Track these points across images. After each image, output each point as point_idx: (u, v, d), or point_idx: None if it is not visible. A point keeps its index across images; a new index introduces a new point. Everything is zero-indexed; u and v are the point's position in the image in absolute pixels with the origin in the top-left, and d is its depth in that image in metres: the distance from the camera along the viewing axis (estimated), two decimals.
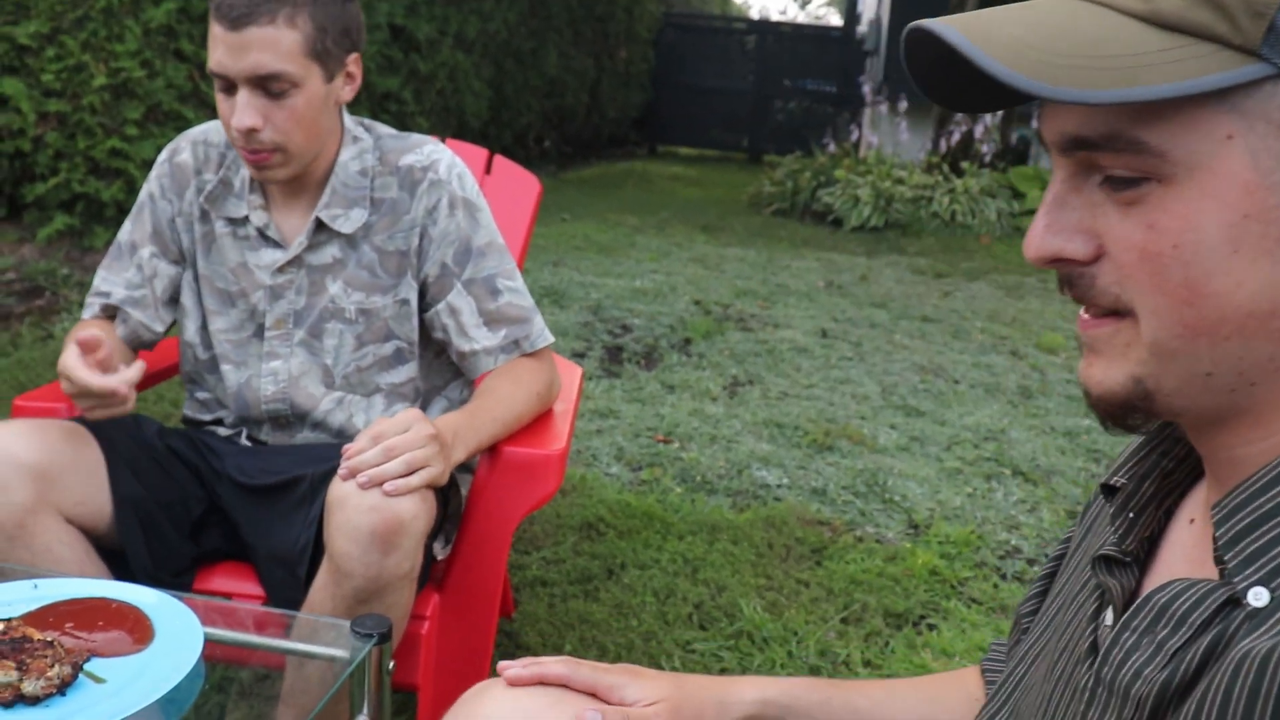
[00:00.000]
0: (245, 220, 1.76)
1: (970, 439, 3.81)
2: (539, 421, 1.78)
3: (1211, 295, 0.61)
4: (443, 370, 1.88)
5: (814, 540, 2.92)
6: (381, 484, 1.41)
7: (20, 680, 1.00)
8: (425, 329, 1.80)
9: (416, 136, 1.83)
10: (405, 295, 1.76)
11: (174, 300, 1.85)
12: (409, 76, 7.42)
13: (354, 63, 1.72)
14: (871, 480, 3.38)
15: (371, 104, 6.78)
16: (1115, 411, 0.67)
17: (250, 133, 1.59)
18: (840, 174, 9.13)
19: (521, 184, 2.33)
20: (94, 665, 1.07)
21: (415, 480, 1.43)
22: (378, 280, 1.75)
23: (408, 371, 1.80)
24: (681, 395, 4.13)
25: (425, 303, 1.78)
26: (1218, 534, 0.65)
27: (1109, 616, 0.75)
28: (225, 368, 1.80)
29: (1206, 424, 0.67)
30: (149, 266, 1.81)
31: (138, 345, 1.84)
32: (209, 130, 1.82)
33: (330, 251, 1.75)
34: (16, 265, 4.88)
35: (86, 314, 1.83)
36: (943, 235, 8.42)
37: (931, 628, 2.52)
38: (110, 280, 1.82)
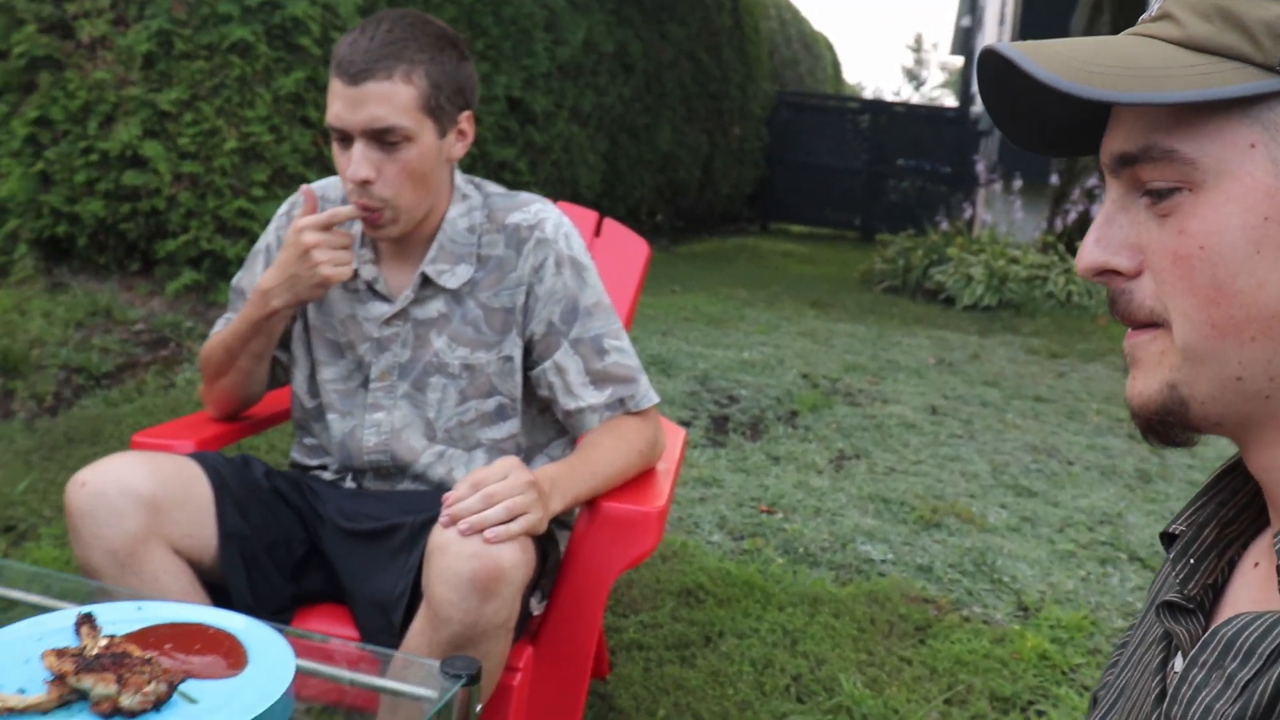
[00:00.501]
0: (355, 274, 1.79)
1: (1084, 521, 3.68)
2: (640, 479, 1.77)
3: (1236, 294, 0.64)
4: (545, 428, 1.88)
5: (918, 618, 2.84)
6: (482, 530, 1.42)
7: (119, 694, 1.02)
8: (530, 386, 1.82)
9: (525, 195, 1.85)
10: (509, 352, 1.78)
11: (284, 347, 1.89)
12: (525, 148, 7.58)
13: (466, 120, 1.75)
14: (980, 559, 3.28)
15: (487, 172, 6.94)
16: (1154, 422, 0.70)
17: (364, 184, 1.63)
18: (953, 252, 9.03)
19: (630, 247, 2.35)
20: (188, 686, 1.08)
21: (515, 527, 1.44)
22: (482, 336, 1.77)
23: (510, 428, 1.80)
24: (786, 467, 4.08)
25: (530, 360, 1.80)
26: None
27: (1178, 663, 0.73)
28: (331, 416, 1.83)
29: (1252, 439, 0.69)
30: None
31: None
32: (327, 186, 1.87)
33: (436, 306, 1.77)
34: (146, 317, 5.08)
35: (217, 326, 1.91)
36: (1058, 315, 8.25)
37: (1040, 714, 2.42)
38: (229, 320, 1.87)
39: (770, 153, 15.21)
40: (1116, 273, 0.70)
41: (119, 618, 1.21)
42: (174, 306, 5.30)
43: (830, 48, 23.20)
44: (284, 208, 1.90)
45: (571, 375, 1.76)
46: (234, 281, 1.92)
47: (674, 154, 11.29)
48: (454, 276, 1.76)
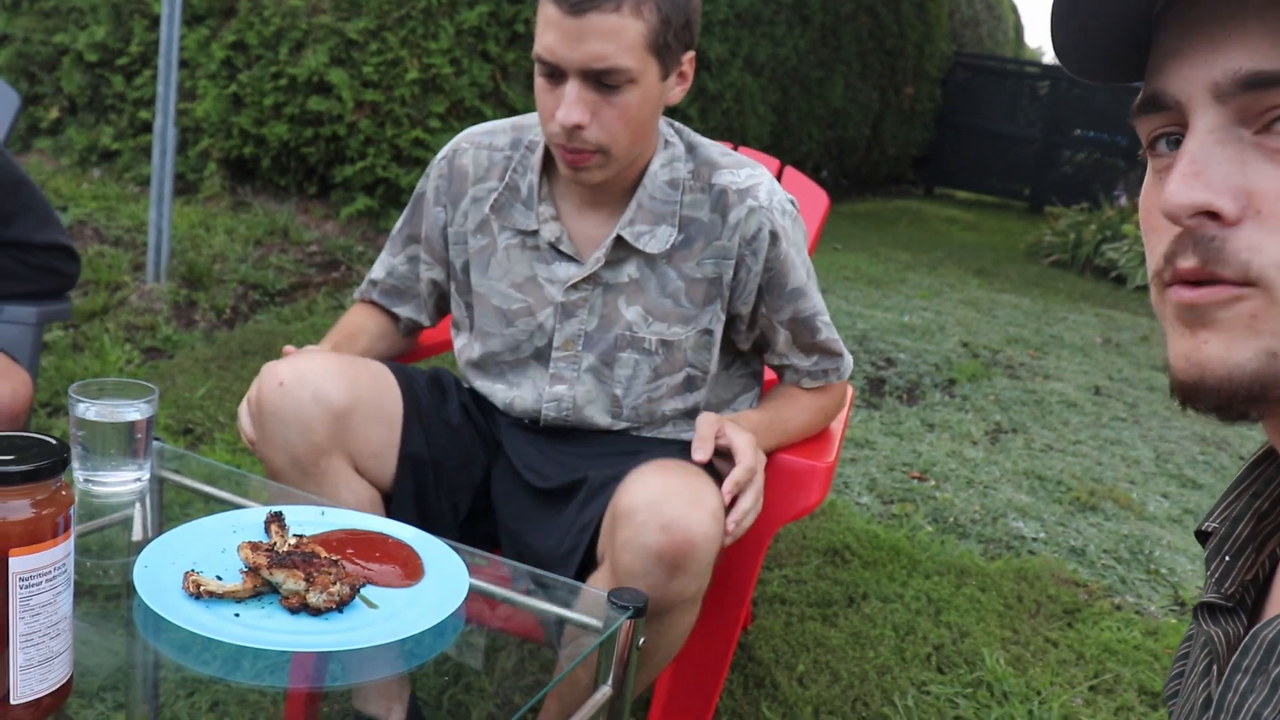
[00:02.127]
0: (535, 233, 1.64)
1: None
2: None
3: None
4: (730, 384, 1.78)
5: (1067, 600, 2.77)
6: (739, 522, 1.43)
7: (307, 591, 1.07)
8: (724, 349, 1.72)
9: (736, 155, 1.67)
10: (710, 325, 1.64)
11: (443, 303, 1.81)
12: (697, 94, 7.55)
13: (689, 61, 1.56)
14: (1136, 548, 3.18)
15: None
16: (1238, 398, 0.58)
17: (575, 130, 1.46)
18: (1129, 229, 8.67)
19: (811, 197, 2.32)
20: (368, 591, 1.13)
21: (756, 511, 1.47)
22: (682, 309, 1.62)
23: (696, 398, 1.69)
24: (941, 435, 4.01)
25: (735, 328, 1.69)
26: None
27: (1216, 668, 0.68)
28: (498, 386, 1.72)
29: None
30: (422, 268, 1.77)
31: (411, 331, 1.86)
32: (494, 132, 1.70)
33: (628, 271, 1.61)
34: (320, 239, 5.26)
35: (358, 294, 1.86)
36: None
37: None
38: (383, 265, 1.82)
39: (942, 115, 14.77)
40: (1216, 216, 0.57)
41: (304, 519, 1.27)
42: (346, 230, 5.47)
43: (1014, 9, 22.37)
44: (444, 152, 1.73)
45: (780, 345, 1.69)
46: (398, 224, 1.80)
47: (845, 110, 11.08)
48: (654, 239, 1.59)
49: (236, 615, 1.06)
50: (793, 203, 1.64)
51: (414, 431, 1.62)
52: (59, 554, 0.86)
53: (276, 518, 1.22)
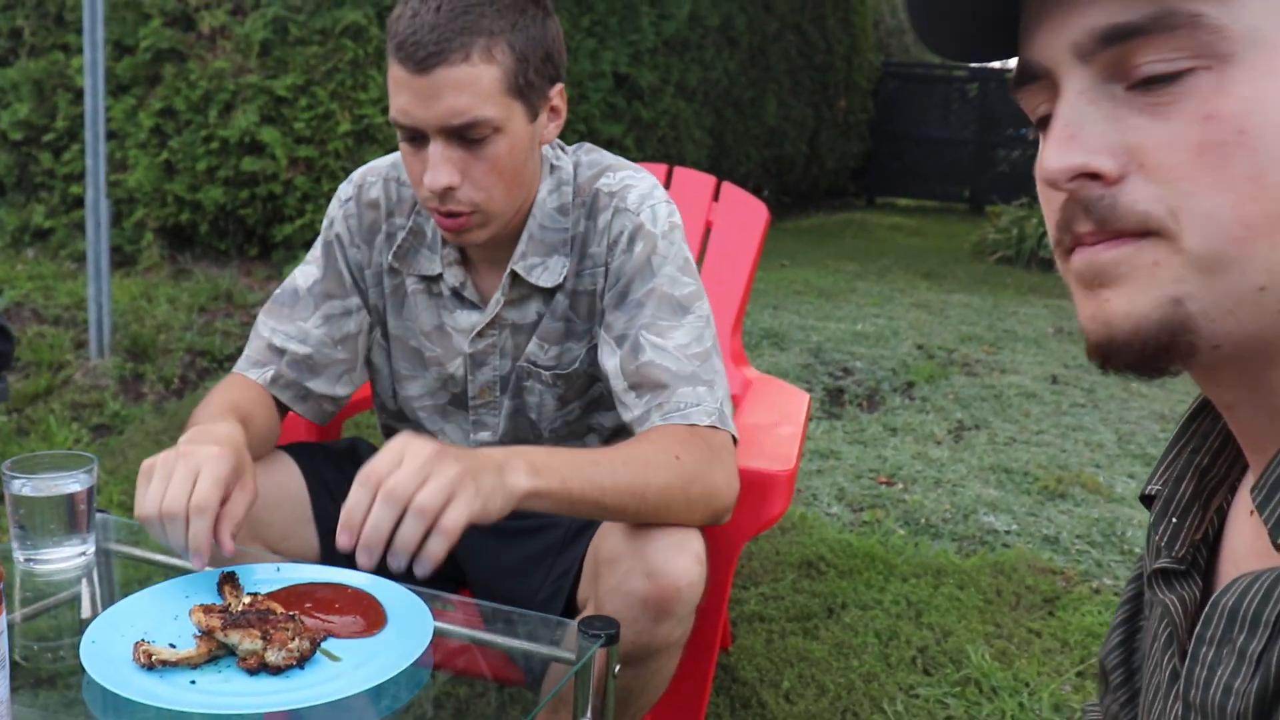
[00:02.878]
0: (439, 278, 1.53)
1: None
2: (769, 440, 1.73)
3: (1276, 186, 0.53)
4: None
5: (1046, 589, 2.76)
6: (425, 552, 1.08)
7: (265, 649, 1.03)
8: None
9: (619, 162, 1.55)
10: (599, 341, 1.51)
11: (365, 361, 1.62)
12: (632, 124, 7.58)
13: (558, 95, 1.43)
14: (1109, 530, 3.18)
15: None
16: (1148, 350, 0.57)
17: (448, 191, 1.35)
18: None
19: (749, 211, 2.32)
20: (330, 644, 1.10)
21: (443, 533, 1.08)
22: (571, 326, 1.52)
23: (616, 416, 1.56)
24: (904, 438, 4.01)
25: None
26: (1264, 515, 0.57)
27: (1176, 636, 0.67)
28: (425, 431, 1.61)
29: (1246, 362, 0.58)
30: (352, 322, 1.56)
31: (316, 417, 1.57)
32: (399, 165, 1.55)
33: (534, 307, 1.52)
34: (263, 300, 5.20)
35: (253, 372, 1.52)
36: None
37: None
38: (289, 333, 1.53)
39: (876, 125, 14.94)
40: (1096, 177, 0.57)
41: (260, 578, 1.23)
42: None
43: None
44: (350, 189, 1.58)
45: (613, 379, 1.44)
46: (298, 280, 1.56)
47: (780, 128, 11.17)
48: (547, 272, 1.49)
49: (192, 683, 1.02)
50: (672, 215, 1.50)
51: (326, 507, 1.51)
52: None
53: (229, 578, 1.18)
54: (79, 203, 5.53)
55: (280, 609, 1.10)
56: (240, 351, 1.61)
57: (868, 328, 5.82)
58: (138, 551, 1.44)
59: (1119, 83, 0.57)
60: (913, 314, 6.34)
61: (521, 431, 1.58)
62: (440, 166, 1.33)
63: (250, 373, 1.52)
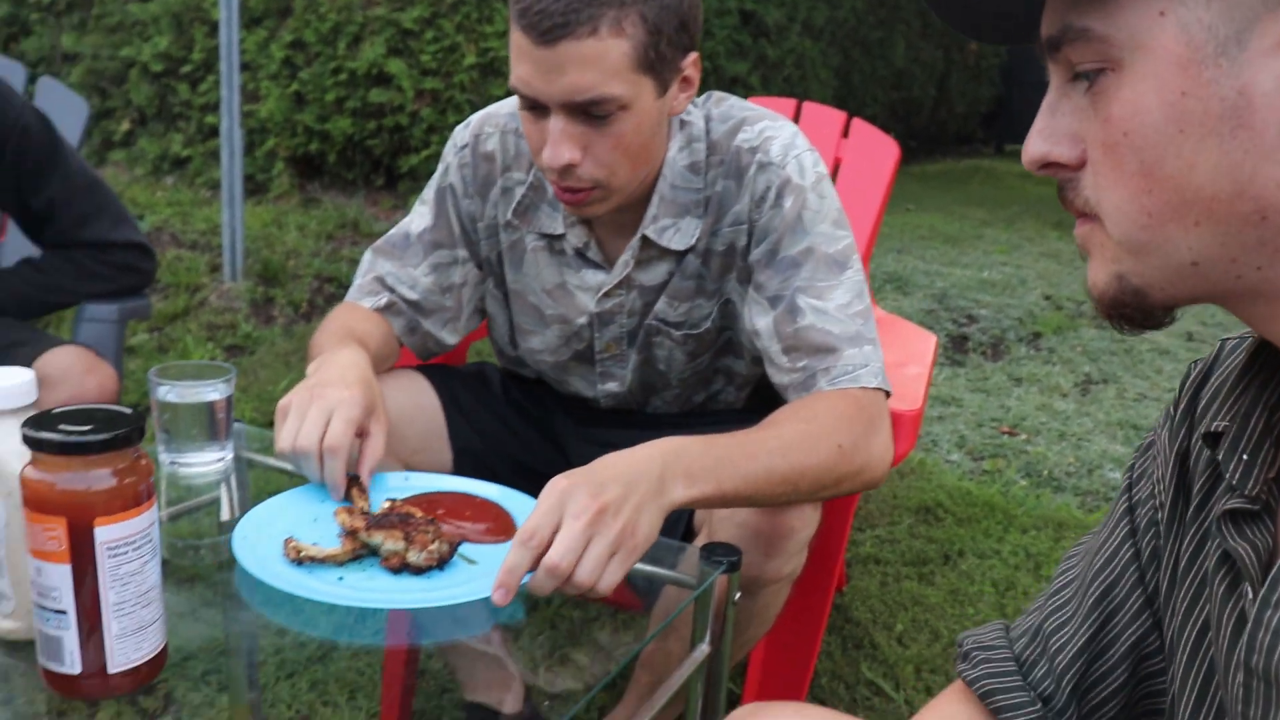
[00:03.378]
0: (561, 237, 1.48)
1: None
2: (895, 380, 1.68)
3: (1166, 179, 0.59)
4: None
5: None
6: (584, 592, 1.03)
7: (406, 550, 1.06)
8: None
9: (759, 111, 1.46)
10: (730, 295, 1.47)
11: (481, 310, 1.60)
12: (757, 62, 7.46)
13: (692, 64, 1.34)
14: None
15: (720, 88, 6.86)
16: (1113, 311, 0.65)
17: (566, 169, 1.29)
18: None
19: (879, 148, 2.26)
20: (465, 549, 1.12)
21: (604, 589, 1.02)
22: (702, 286, 1.47)
23: (747, 362, 1.55)
24: (1029, 389, 3.92)
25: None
26: None
27: (1249, 590, 0.64)
28: (547, 381, 1.63)
29: (1254, 312, 0.63)
30: (457, 273, 1.54)
31: (420, 352, 1.58)
32: (517, 115, 1.43)
33: (664, 268, 1.46)
34: (389, 230, 5.30)
35: (367, 300, 1.52)
36: None
37: None
38: (400, 277, 1.52)
39: (1008, 70, 14.47)
40: (1061, 164, 0.65)
41: (391, 485, 1.26)
42: None
43: None
44: (465, 136, 1.53)
45: (765, 340, 1.37)
46: (411, 225, 1.55)
47: (908, 70, 10.89)
48: (679, 234, 1.43)
49: (340, 579, 1.06)
50: (818, 164, 1.41)
51: (459, 425, 1.54)
52: (144, 522, 0.85)
53: (354, 481, 1.21)
54: (214, 132, 5.68)
55: (419, 513, 1.13)
56: None
57: (994, 276, 5.67)
58: (272, 461, 1.49)
59: (1080, 79, 0.63)
60: (1041, 263, 6.16)
61: (650, 380, 1.56)
62: (561, 143, 1.27)
63: (364, 301, 1.52)
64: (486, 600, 1.00)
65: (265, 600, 1.07)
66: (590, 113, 1.25)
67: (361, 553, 1.09)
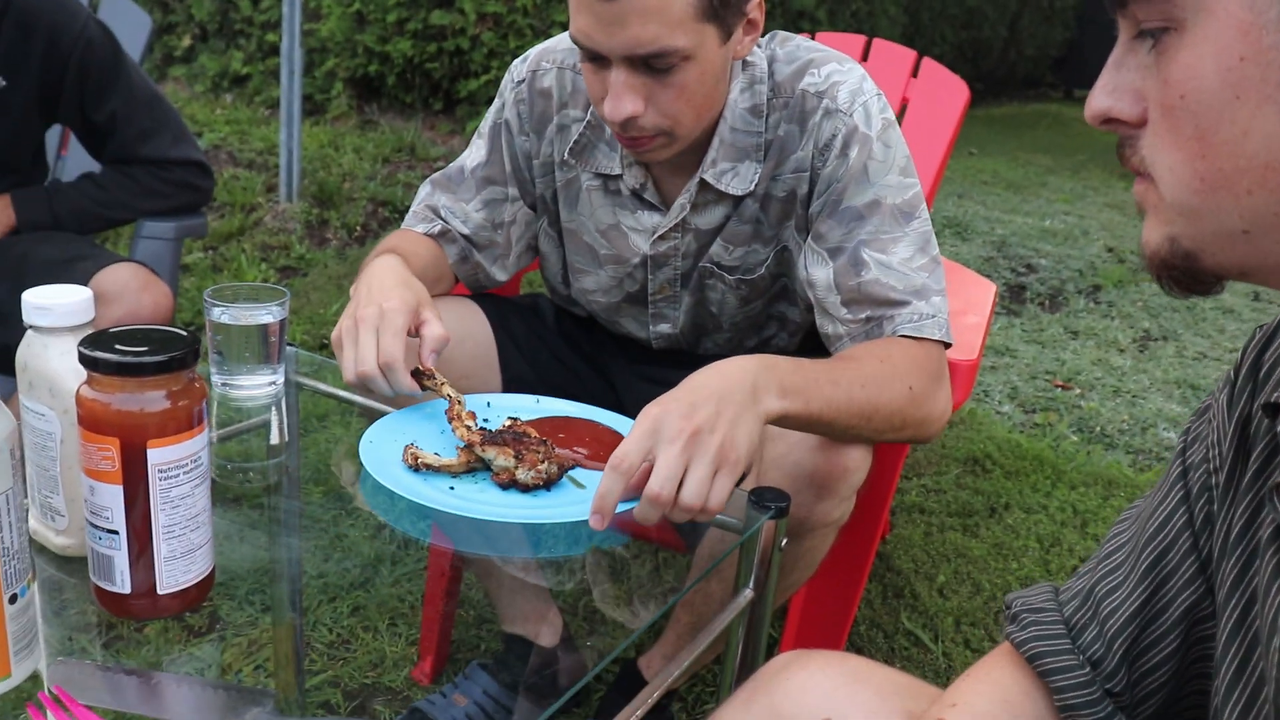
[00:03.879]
0: (618, 177, 1.47)
1: None
2: (953, 327, 1.66)
3: (1221, 145, 0.58)
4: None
5: None
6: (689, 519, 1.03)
7: (515, 467, 1.10)
8: None
9: (824, 53, 1.41)
10: (787, 243, 1.45)
11: (527, 253, 1.60)
12: None
13: (755, 7, 1.31)
14: None
15: (786, 22, 6.75)
16: (1163, 272, 0.64)
17: (629, 120, 1.28)
18: None
19: (949, 90, 2.21)
20: (576, 472, 1.16)
21: (714, 508, 1.02)
22: (759, 232, 1.45)
23: (801, 310, 1.53)
24: (1086, 342, 3.85)
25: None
26: None
27: None
28: (599, 321, 1.63)
29: None
30: (508, 211, 1.54)
31: (471, 284, 1.58)
32: (575, 50, 1.45)
33: (720, 211, 1.44)
34: (446, 155, 5.28)
35: (420, 226, 1.53)
36: None
37: None
38: (453, 210, 1.53)
39: (1083, 12, 14.08)
40: (1121, 121, 0.63)
41: (519, 405, 1.31)
42: None
43: None
44: (522, 71, 1.52)
45: (821, 290, 1.35)
46: (467, 159, 1.55)
47: (980, 9, 10.63)
48: (738, 179, 1.40)
49: (451, 488, 1.10)
50: (885, 110, 1.38)
51: (511, 354, 1.55)
52: (195, 446, 0.85)
53: (419, 375, 1.22)
54: (274, 51, 5.67)
55: (535, 434, 1.16)
56: None
57: (1056, 225, 5.57)
58: (322, 386, 1.49)
59: (1146, 35, 0.62)
60: (1105, 214, 6.04)
61: (702, 322, 1.55)
62: (623, 95, 1.25)
63: (418, 227, 1.53)
64: (584, 524, 1.03)
65: (383, 503, 1.14)
66: (653, 65, 1.23)
67: (476, 465, 1.14)
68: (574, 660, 1.67)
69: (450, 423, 1.18)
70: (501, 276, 1.58)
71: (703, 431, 1.01)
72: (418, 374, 1.22)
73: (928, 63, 2.23)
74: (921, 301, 1.31)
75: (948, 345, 1.34)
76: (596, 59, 1.26)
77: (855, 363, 1.23)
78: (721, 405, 1.04)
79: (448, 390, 1.21)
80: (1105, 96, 0.64)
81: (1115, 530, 0.88)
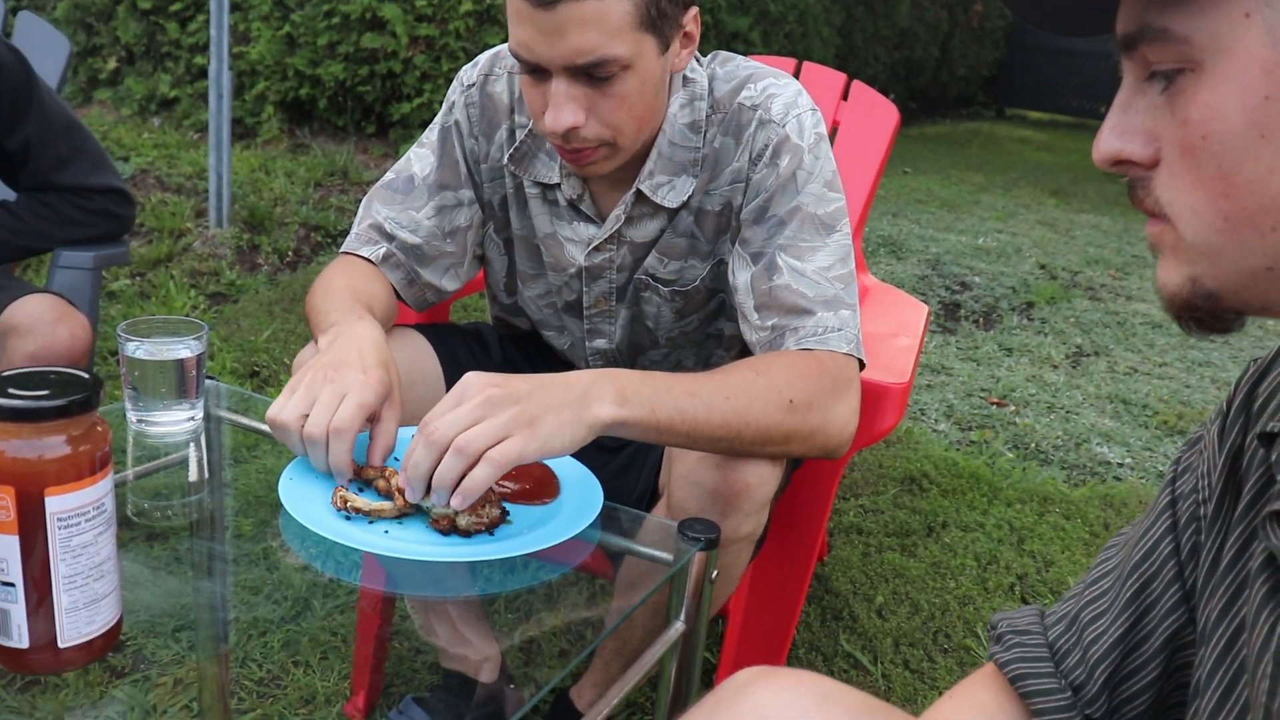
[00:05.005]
0: (556, 187, 1.47)
1: None
2: (884, 351, 1.67)
3: (1245, 184, 0.58)
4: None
5: None
6: (465, 484, 1.02)
7: (456, 513, 1.06)
8: None
9: (759, 69, 1.43)
10: (724, 256, 1.45)
11: (477, 262, 1.58)
12: (759, 17, 7.36)
13: (692, 19, 1.33)
14: None
15: (720, 43, 6.78)
16: (1184, 313, 0.64)
17: (570, 131, 1.27)
18: None
19: (879, 112, 2.22)
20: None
21: (495, 458, 1.01)
22: (695, 244, 1.45)
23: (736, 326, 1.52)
24: (1020, 359, 3.90)
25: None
26: None
27: None
28: (546, 333, 1.62)
29: None
30: (463, 215, 1.51)
31: (416, 304, 1.54)
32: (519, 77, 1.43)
33: (655, 225, 1.44)
34: (379, 178, 5.23)
35: (365, 250, 1.48)
36: None
37: None
38: (400, 221, 1.49)
39: (1012, 33, 14.34)
40: (1132, 162, 0.63)
41: None
42: None
43: None
44: (473, 75, 1.50)
45: (741, 295, 1.36)
46: (414, 167, 1.51)
47: (912, 30, 10.77)
48: (674, 192, 1.41)
49: (386, 532, 1.06)
50: (818, 125, 1.39)
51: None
52: (98, 492, 0.82)
53: (361, 469, 1.17)
54: (203, 73, 5.59)
55: None
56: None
57: (989, 242, 5.64)
58: (243, 420, 1.45)
59: (1156, 76, 0.62)
60: (1037, 231, 6.13)
61: (639, 338, 1.55)
62: (564, 106, 1.25)
63: (362, 250, 1.48)
64: (518, 558, 1.03)
65: (308, 547, 1.10)
66: (593, 74, 1.24)
67: (408, 512, 1.09)
68: (515, 696, 1.65)
69: (370, 485, 1.13)
70: (451, 286, 1.54)
71: (506, 398, 1.04)
72: (359, 468, 1.17)
73: (858, 85, 2.24)
74: (829, 313, 1.31)
75: (862, 361, 1.34)
76: (536, 71, 1.26)
77: (725, 374, 1.22)
78: (539, 390, 1.06)
79: (394, 484, 1.13)
80: (1115, 139, 0.63)
81: (1103, 556, 0.89)
